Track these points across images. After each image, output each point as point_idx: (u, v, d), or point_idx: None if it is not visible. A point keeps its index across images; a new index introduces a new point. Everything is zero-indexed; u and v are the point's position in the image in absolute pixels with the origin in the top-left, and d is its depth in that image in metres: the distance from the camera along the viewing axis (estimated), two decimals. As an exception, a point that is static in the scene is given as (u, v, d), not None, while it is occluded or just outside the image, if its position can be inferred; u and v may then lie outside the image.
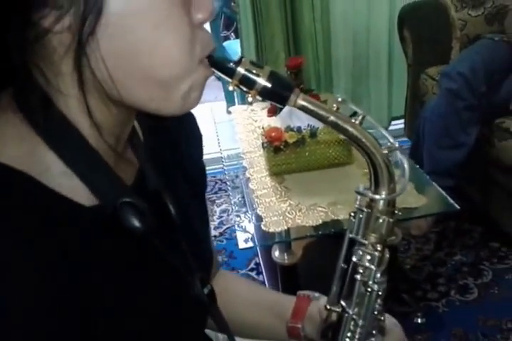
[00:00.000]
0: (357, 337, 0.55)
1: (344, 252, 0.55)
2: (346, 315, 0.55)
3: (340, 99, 0.49)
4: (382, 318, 0.57)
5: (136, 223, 0.45)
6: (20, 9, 0.40)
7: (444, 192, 1.44)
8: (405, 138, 2.45)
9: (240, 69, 0.45)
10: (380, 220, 0.52)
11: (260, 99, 0.46)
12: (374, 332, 0.56)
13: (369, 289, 0.52)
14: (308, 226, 1.33)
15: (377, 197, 0.51)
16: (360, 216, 0.53)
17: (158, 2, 0.41)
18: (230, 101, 2.68)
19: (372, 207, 0.52)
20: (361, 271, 0.53)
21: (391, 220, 0.52)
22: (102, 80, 0.42)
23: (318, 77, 2.47)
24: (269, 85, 0.45)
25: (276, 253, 1.52)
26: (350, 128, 0.48)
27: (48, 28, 0.40)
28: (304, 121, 1.54)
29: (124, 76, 0.43)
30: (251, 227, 1.35)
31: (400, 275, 1.74)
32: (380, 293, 0.53)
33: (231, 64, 0.46)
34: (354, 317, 0.55)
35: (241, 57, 0.46)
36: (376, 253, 0.52)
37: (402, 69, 2.44)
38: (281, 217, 1.35)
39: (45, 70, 0.43)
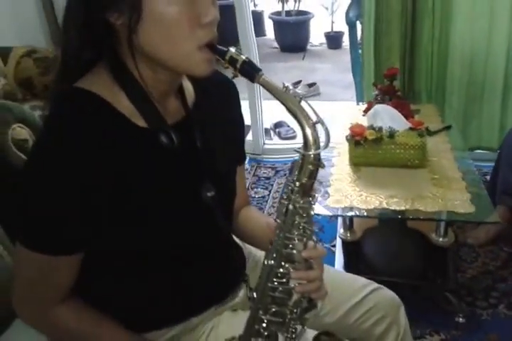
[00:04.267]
0: (281, 238, 0.85)
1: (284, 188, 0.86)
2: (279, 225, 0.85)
3: (286, 84, 0.79)
4: (309, 232, 0.85)
5: (165, 140, 0.84)
6: (100, 10, 0.77)
7: (493, 206, 1.67)
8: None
9: (228, 54, 0.78)
10: (308, 168, 0.79)
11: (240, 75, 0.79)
12: (297, 238, 0.84)
13: (290, 207, 0.82)
14: (369, 210, 1.64)
15: (306, 153, 0.78)
16: (297, 165, 0.81)
17: (172, 13, 0.76)
18: (360, 100, 2.97)
19: (303, 159, 0.79)
20: (285, 197, 0.83)
21: (312, 168, 0.79)
22: (144, 54, 0.80)
23: (429, 93, 2.69)
24: (244, 66, 0.77)
25: (341, 231, 1.86)
26: (289, 104, 0.76)
27: (114, 22, 0.78)
28: (386, 123, 1.85)
29: (155, 51, 0.80)
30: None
31: (452, 278, 1.96)
32: (300, 212, 0.82)
33: (224, 51, 0.78)
34: (283, 226, 0.84)
35: (228, 48, 0.79)
36: (296, 188, 0.80)
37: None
38: (343, 197, 1.68)
39: (119, 48, 0.82)
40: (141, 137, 0.84)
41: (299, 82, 4.46)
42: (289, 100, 0.77)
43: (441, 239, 1.81)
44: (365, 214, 1.63)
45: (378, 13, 2.56)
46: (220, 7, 0.83)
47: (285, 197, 0.83)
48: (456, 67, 2.67)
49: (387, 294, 1.18)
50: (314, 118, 0.77)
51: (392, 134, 1.81)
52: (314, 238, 0.87)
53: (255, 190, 2.88)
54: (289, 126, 3.61)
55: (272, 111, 3.43)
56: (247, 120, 3.12)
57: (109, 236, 0.85)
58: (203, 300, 1.01)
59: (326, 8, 6.26)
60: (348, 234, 1.84)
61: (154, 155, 0.86)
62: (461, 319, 1.85)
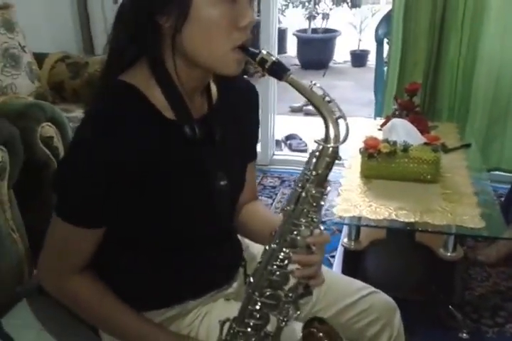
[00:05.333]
0: (288, 224, 0.91)
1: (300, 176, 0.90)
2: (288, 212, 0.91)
3: (313, 82, 0.85)
4: (316, 221, 0.91)
5: (189, 133, 0.94)
6: (152, 13, 0.87)
7: (506, 224, 1.70)
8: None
9: (260, 55, 0.85)
10: (325, 159, 0.86)
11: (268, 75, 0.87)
12: (304, 225, 0.90)
13: (303, 195, 0.89)
14: (378, 221, 1.70)
15: (326, 145, 0.85)
16: (315, 156, 0.88)
17: (215, 15, 0.85)
18: (378, 115, 3.04)
19: (322, 151, 0.86)
20: (300, 185, 0.89)
21: (329, 160, 0.86)
22: (184, 53, 0.89)
23: (452, 110, 2.72)
24: (273, 67, 0.85)
25: (345, 240, 1.91)
26: (315, 100, 0.84)
27: (162, 24, 0.87)
28: (401, 138, 1.91)
29: (194, 50, 0.89)
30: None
31: (458, 293, 1.99)
32: (311, 201, 0.88)
33: (256, 53, 0.86)
34: (292, 213, 0.90)
35: (260, 50, 0.87)
36: (312, 177, 0.87)
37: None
38: (352, 207, 1.74)
39: (161, 47, 0.91)
40: (169, 129, 0.94)
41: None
42: (315, 96, 0.85)
43: (449, 254, 1.83)
44: (373, 224, 1.69)
45: (406, 30, 2.63)
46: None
47: (300, 184, 0.89)
48: (481, 86, 2.70)
49: (383, 298, 1.22)
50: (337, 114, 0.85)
51: (406, 148, 1.86)
52: (321, 227, 0.93)
53: (260, 197, 2.94)
54: (301, 140, 3.72)
55: (284, 124, 3.57)
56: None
57: (128, 215, 0.95)
58: (203, 283, 1.09)
59: (355, 27, 6.38)
60: (353, 244, 1.89)
61: (177, 145, 0.95)
62: (465, 335, 1.88)
